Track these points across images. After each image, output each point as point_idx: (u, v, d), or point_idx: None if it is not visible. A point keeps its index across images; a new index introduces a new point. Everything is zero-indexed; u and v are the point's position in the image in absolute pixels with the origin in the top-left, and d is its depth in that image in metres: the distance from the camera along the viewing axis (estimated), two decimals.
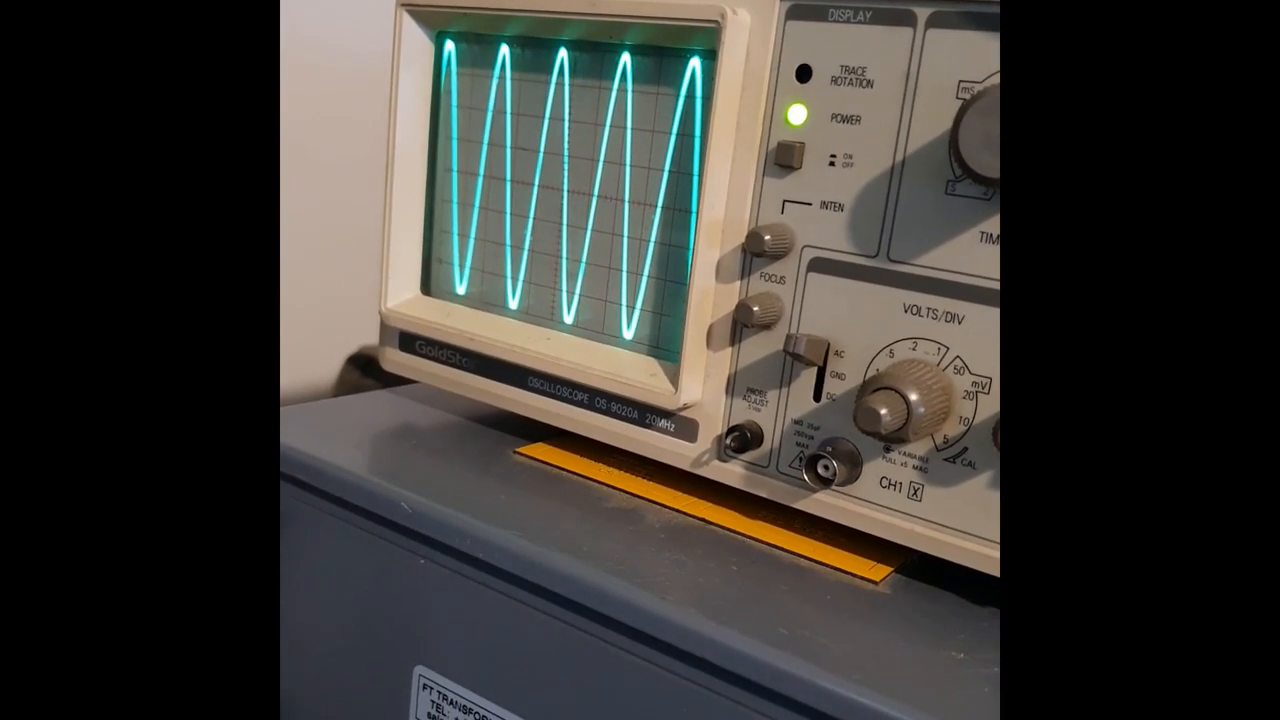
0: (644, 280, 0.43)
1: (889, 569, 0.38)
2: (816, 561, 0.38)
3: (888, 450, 0.37)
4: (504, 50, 0.45)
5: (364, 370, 0.90)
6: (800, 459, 0.39)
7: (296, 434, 0.45)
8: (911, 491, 0.36)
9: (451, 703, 0.40)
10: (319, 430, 0.47)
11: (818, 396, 0.38)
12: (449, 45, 0.47)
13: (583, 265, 0.44)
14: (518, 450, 0.47)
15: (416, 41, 0.46)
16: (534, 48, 0.44)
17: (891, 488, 0.37)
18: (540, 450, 0.47)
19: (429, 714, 0.41)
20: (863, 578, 0.37)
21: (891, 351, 0.36)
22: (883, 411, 0.33)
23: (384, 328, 0.50)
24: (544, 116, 0.44)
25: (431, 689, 0.40)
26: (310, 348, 0.92)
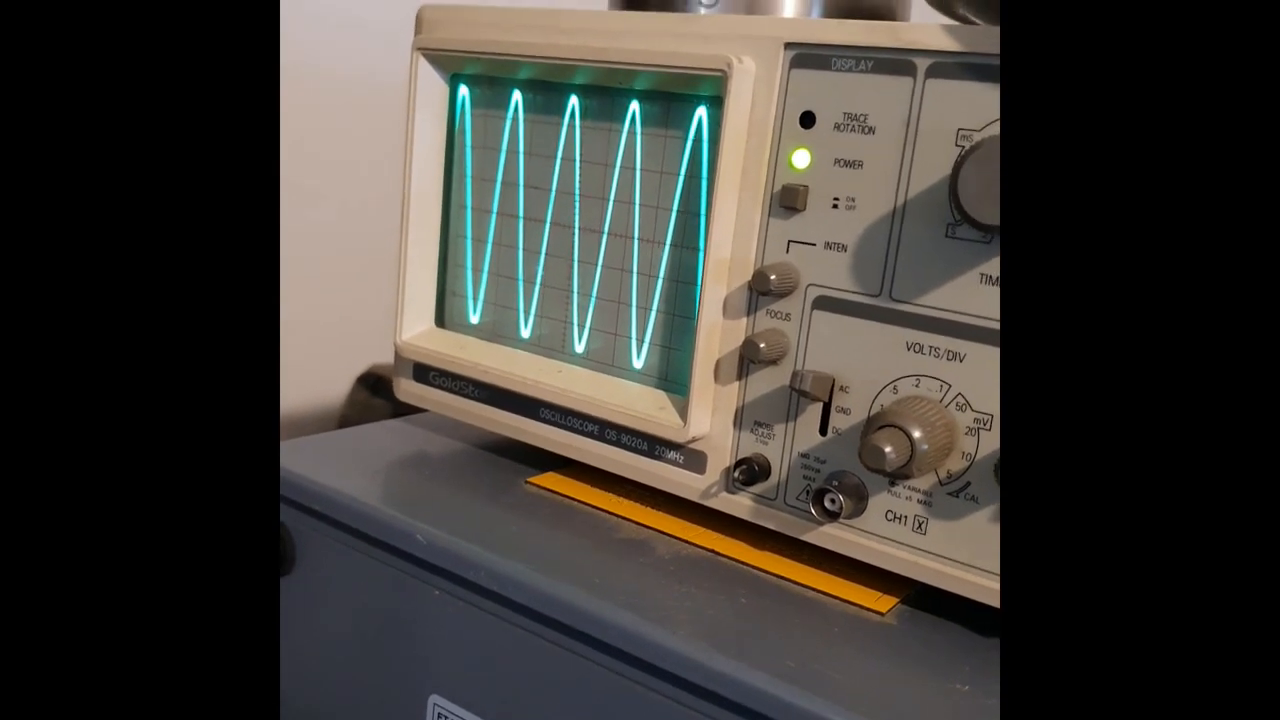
0: (653, 315, 0.44)
1: (895, 600, 0.39)
2: (823, 593, 0.39)
3: (893, 484, 0.38)
4: (516, 94, 0.46)
5: (373, 390, 0.91)
6: (807, 492, 0.39)
7: (311, 464, 0.46)
8: (916, 525, 0.37)
9: None
10: (333, 460, 0.48)
11: (824, 431, 0.39)
12: (463, 89, 0.48)
13: (593, 299, 0.45)
14: (529, 480, 0.48)
15: (432, 83, 0.47)
16: (545, 92, 0.45)
17: (896, 521, 0.38)
18: (551, 480, 0.48)
19: None
20: (869, 609, 0.38)
21: (895, 388, 0.37)
22: (888, 449, 0.34)
23: (398, 359, 0.51)
24: (556, 157, 0.45)
25: (446, 718, 0.41)
26: (320, 368, 0.93)
